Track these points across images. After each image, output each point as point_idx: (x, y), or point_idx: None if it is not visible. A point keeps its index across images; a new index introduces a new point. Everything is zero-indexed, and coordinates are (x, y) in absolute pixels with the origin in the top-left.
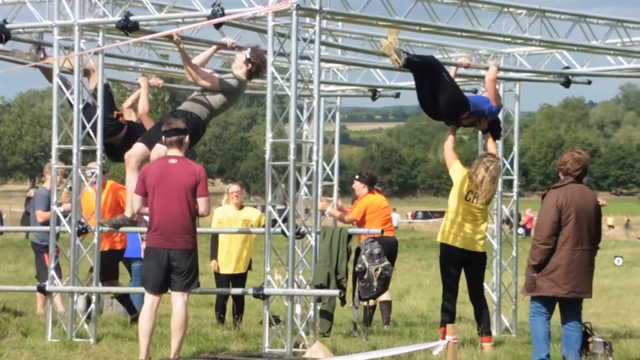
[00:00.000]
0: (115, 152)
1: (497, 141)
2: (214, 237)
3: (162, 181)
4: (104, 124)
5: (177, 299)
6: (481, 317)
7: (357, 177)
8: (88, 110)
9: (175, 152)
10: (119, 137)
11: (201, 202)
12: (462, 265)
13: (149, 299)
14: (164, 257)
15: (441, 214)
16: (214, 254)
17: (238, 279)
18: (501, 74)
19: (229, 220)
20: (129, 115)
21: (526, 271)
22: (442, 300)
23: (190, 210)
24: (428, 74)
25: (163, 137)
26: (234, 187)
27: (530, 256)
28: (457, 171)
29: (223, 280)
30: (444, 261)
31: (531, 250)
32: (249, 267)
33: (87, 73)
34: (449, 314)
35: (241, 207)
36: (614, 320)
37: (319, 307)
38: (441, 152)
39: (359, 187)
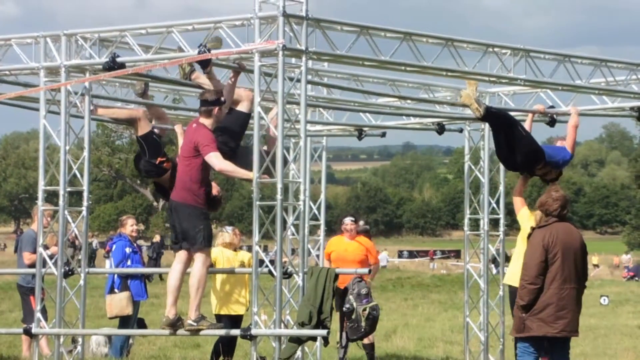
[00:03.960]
0: (164, 191)
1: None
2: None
3: (183, 141)
4: (146, 167)
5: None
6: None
7: (352, 218)
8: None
9: (202, 119)
10: (164, 178)
11: (207, 159)
12: None
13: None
14: (172, 209)
15: (426, 253)
16: None
17: (237, 321)
18: None
19: (228, 261)
20: None
21: (515, 312)
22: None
23: (190, 169)
24: (504, 126)
25: None
26: (228, 228)
27: (519, 296)
28: (524, 216)
29: (225, 322)
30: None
31: (519, 291)
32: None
33: (132, 122)
34: None
35: (235, 250)
36: None
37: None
38: (426, 191)
39: (355, 227)
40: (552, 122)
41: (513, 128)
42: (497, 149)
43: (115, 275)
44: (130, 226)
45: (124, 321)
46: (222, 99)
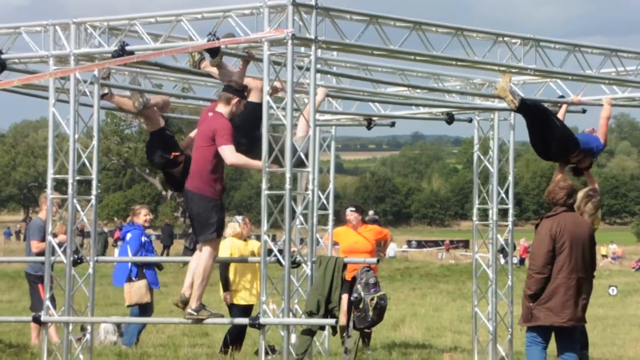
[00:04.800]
0: (175, 181)
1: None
2: (224, 268)
3: (198, 128)
4: (160, 160)
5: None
6: (583, 344)
7: (352, 209)
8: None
9: (220, 107)
10: (177, 170)
11: (220, 151)
12: None
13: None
14: (187, 198)
15: (435, 243)
16: (226, 286)
17: (248, 310)
18: (496, 102)
19: (239, 251)
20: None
21: (522, 301)
22: None
23: (207, 158)
24: (538, 117)
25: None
26: (238, 218)
27: (526, 286)
28: None
29: (236, 311)
30: None
31: (527, 280)
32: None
33: (145, 118)
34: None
35: (245, 240)
36: (609, 350)
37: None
38: (435, 181)
39: (356, 217)
40: None
41: (547, 119)
42: (532, 140)
43: (130, 264)
44: (143, 216)
45: (144, 309)
46: (245, 93)
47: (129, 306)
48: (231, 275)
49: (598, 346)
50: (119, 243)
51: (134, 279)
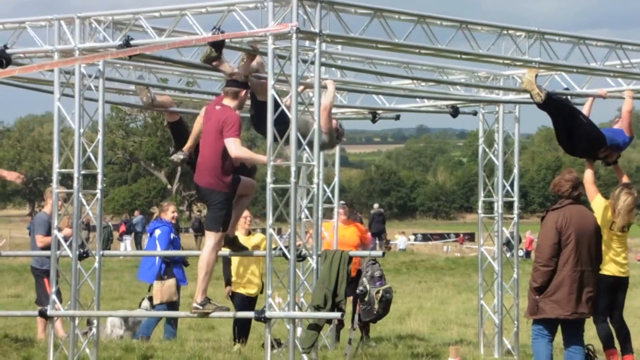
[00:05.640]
0: None
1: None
2: (227, 263)
3: (205, 124)
4: None
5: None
6: (624, 338)
7: (343, 202)
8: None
9: (227, 101)
10: None
11: (225, 142)
12: (613, 290)
13: None
14: (199, 193)
15: (441, 236)
16: (228, 280)
17: (251, 302)
18: (500, 95)
19: None
20: None
21: (528, 294)
22: (598, 325)
23: (218, 151)
24: (564, 113)
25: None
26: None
27: (532, 278)
28: (599, 203)
29: (239, 302)
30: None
31: (532, 273)
32: (261, 291)
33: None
34: (610, 337)
35: (248, 233)
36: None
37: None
38: (440, 174)
39: (346, 211)
40: None
41: (573, 115)
42: (557, 135)
43: (157, 260)
44: (171, 212)
45: (170, 307)
46: (248, 83)
47: (159, 304)
48: (234, 266)
49: None
50: (125, 237)
51: (164, 277)
